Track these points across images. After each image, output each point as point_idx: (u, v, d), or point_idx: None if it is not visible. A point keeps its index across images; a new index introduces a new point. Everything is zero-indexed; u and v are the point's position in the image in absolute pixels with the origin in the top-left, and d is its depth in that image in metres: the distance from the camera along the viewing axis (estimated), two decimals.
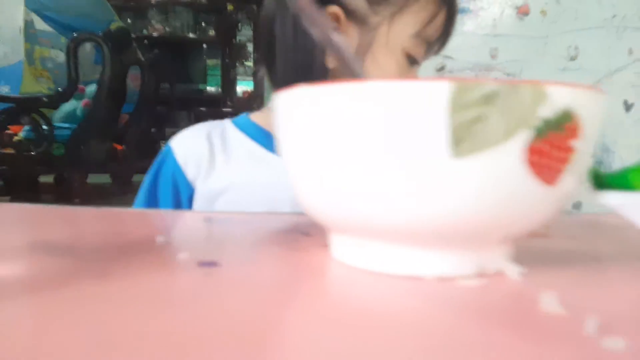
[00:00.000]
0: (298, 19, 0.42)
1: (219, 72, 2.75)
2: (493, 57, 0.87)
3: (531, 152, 0.17)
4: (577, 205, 0.84)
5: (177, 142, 0.44)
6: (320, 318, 0.15)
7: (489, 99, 0.16)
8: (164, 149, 0.44)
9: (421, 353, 0.12)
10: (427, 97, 0.16)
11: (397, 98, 0.17)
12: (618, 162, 0.86)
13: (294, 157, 0.20)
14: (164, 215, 0.36)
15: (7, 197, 1.39)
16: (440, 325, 0.14)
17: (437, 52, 0.46)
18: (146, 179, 0.44)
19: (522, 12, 0.86)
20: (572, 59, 0.84)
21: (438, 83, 0.16)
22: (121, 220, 0.35)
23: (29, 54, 1.90)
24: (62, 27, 2.00)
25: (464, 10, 0.87)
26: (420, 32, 0.42)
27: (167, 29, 2.69)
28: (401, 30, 0.42)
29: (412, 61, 0.42)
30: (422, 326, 0.14)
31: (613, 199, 0.22)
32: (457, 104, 0.16)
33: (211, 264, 0.22)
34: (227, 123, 0.45)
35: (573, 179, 0.19)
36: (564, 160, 0.18)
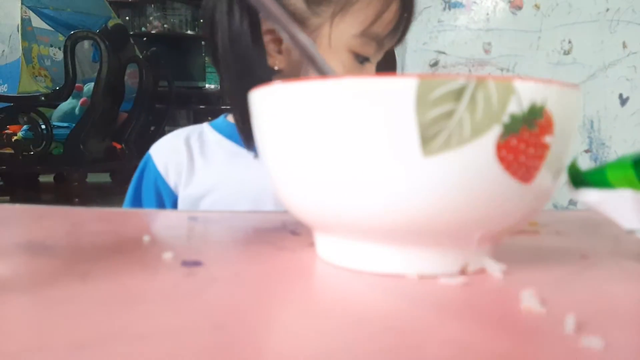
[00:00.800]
0: (232, 14, 0.41)
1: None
2: (487, 52, 0.86)
3: (503, 150, 0.17)
4: (573, 202, 0.84)
5: (157, 150, 0.44)
6: (301, 317, 0.15)
7: (456, 95, 0.16)
8: (144, 157, 0.44)
9: (401, 351, 0.12)
10: (394, 94, 0.16)
11: (364, 95, 0.17)
12: (613, 157, 0.86)
13: (271, 155, 0.20)
14: (151, 214, 0.36)
15: (7, 197, 1.40)
16: (420, 323, 0.14)
17: (396, 45, 0.44)
18: (129, 188, 0.44)
19: (515, 6, 0.85)
20: (566, 53, 0.84)
21: (403, 79, 0.16)
22: (110, 220, 0.35)
23: (26, 52, 1.90)
24: (59, 24, 1.99)
25: (457, 5, 0.86)
26: (366, 31, 0.40)
27: (166, 25, 2.68)
28: (344, 31, 0.40)
29: (362, 59, 0.40)
30: (402, 324, 0.14)
31: (591, 196, 0.22)
32: (424, 101, 0.16)
33: (195, 263, 0.22)
34: (205, 126, 0.45)
35: (550, 176, 0.19)
36: (538, 157, 0.18)
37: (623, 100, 0.81)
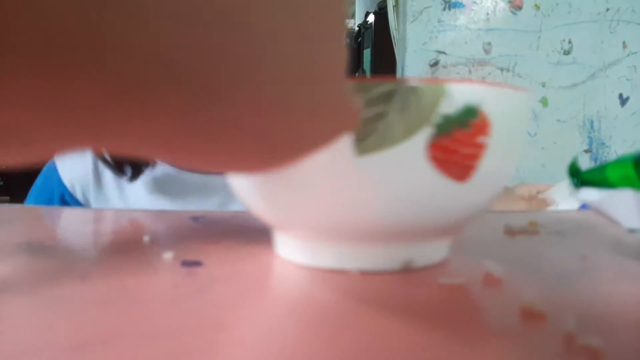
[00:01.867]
0: None
1: None
2: (487, 51, 0.86)
3: (436, 149, 0.17)
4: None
5: (62, 161, 0.41)
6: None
7: (387, 97, 0.16)
8: (49, 164, 0.41)
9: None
10: None
11: None
12: (613, 157, 0.86)
13: None
14: (152, 215, 0.36)
15: (7, 197, 1.39)
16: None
17: None
18: (29, 197, 0.42)
19: (515, 6, 0.85)
20: (566, 53, 0.83)
21: None
22: (111, 220, 0.35)
23: None
24: None
25: (457, 5, 0.86)
26: None
27: None
28: None
29: None
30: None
31: (591, 195, 0.22)
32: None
33: (195, 263, 0.21)
34: None
35: (489, 175, 0.19)
36: (473, 157, 0.18)
37: (623, 100, 0.81)
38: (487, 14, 0.85)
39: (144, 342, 0.13)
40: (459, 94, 0.17)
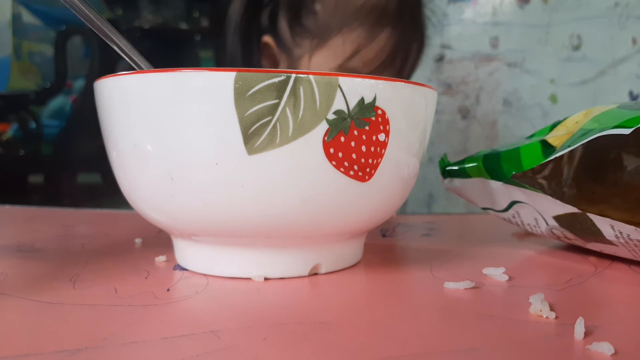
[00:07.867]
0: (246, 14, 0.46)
1: (212, 65, 2.74)
2: (493, 46, 0.85)
3: (331, 147, 0.16)
4: None
5: None
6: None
7: (276, 90, 0.15)
8: None
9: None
10: (214, 89, 0.15)
11: (184, 88, 0.15)
12: None
13: (114, 154, 0.20)
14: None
15: None
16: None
17: (406, 77, 0.49)
18: None
19: None
20: (575, 48, 0.82)
21: (222, 73, 0.15)
22: (101, 222, 0.34)
23: (17, 49, 1.87)
24: (50, 19, 1.96)
25: None
26: (343, 65, 0.44)
27: (159, 19, 2.65)
28: (321, 63, 0.44)
29: None
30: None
31: (454, 183, 0.27)
32: (242, 96, 0.14)
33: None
34: None
35: (393, 173, 0.18)
36: (374, 155, 0.17)
37: (633, 98, 0.79)
38: (494, 7, 0.84)
39: (135, 347, 0.12)
40: (352, 89, 0.15)
